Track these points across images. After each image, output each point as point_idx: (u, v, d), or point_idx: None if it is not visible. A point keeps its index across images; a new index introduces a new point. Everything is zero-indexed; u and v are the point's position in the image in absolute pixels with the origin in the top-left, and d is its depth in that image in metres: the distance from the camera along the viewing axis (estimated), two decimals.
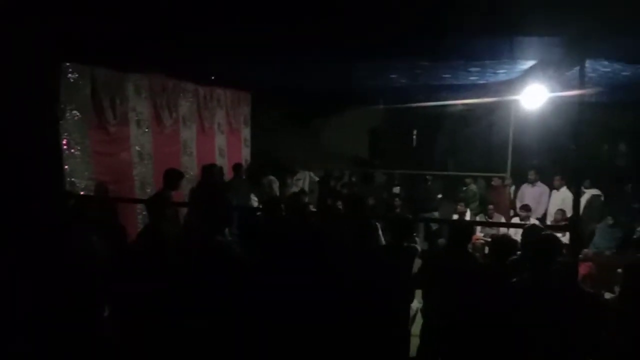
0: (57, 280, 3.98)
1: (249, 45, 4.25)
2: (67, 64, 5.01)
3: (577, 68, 4.04)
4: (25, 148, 4.42)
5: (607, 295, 5.03)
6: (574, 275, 3.62)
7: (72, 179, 5.11)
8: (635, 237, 6.07)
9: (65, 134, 5.01)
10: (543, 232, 3.82)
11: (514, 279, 3.50)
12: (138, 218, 6.01)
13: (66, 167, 5.01)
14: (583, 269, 5.58)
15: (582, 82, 3.97)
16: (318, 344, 3.94)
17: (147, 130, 6.36)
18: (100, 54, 5.10)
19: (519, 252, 4.03)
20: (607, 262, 6.12)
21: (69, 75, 5.06)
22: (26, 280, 3.97)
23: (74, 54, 4.90)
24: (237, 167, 7.62)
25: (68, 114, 5.04)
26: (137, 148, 6.19)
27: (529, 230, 4.05)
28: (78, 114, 5.16)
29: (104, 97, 5.50)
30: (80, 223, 4.29)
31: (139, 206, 5.90)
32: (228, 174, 7.90)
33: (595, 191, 7.74)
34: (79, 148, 5.19)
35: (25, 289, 3.94)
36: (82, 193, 5.18)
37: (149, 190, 6.25)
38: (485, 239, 7.15)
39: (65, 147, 5.01)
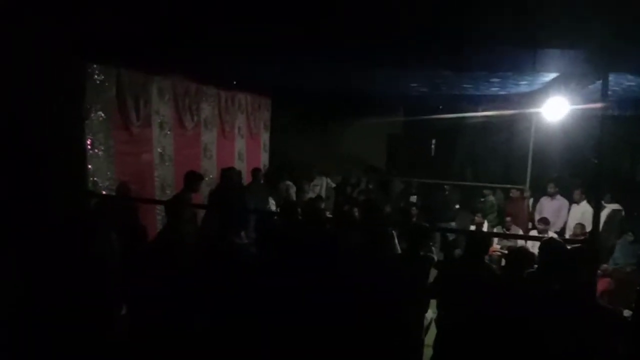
0: (74, 277, 4.07)
1: (271, 48, 4.30)
2: (94, 65, 5.13)
3: (600, 81, 4.01)
4: (50, 147, 4.54)
5: (626, 313, 4.95)
6: (592, 290, 3.58)
7: (95, 179, 5.21)
8: None
9: (90, 134, 5.11)
10: (560, 245, 3.80)
11: (530, 292, 3.48)
12: (158, 219, 6.10)
13: (90, 166, 5.11)
14: (602, 284, 5.49)
15: (604, 95, 3.95)
16: (330, 350, 3.95)
17: (169, 132, 6.46)
18: (126, 56, 5.21)
19: (535, 266, 4.02)
20: (626, 278, 6.01)
21: (95, 76, 5.17)
22: (45, 276, 4.07)
23: (100, 55, 5.01)
24: (255, 172, 7.69)
25: (93, 115, 5.15)
26: (159, 150, 6.29)
27: (546, 243, 4.02)
28: (103, 114, 5.27)
29: (128, 98, 5.60)
30: (102, 222, 4.38)
31: (159, 207, 5.99)
32: (247, 178, 7.97)
33: (616, 206, 7.62)
34: (102, 148, 5.29)
35: (43, 284, 4.03)
36: (103, 192, 5.28)
37: (168, 192, 6.34)
38: (502, 250, 7.09)
39: (89, 146, 5.11)
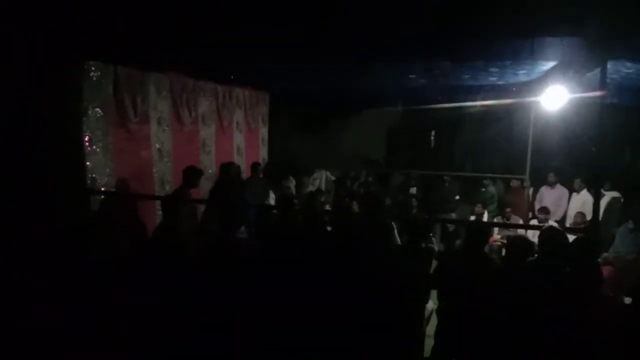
0: (77, 272, 4.08)
1: (267, 46, 4.29)
2: (90, 62, 5.11)
3: (599, 69, 3.99)
4: (48, 144, 4.54)
5: (627, 300, 4.95)
6: (597, 279, 3.58)
7: (93, 176, 5.21)
8: None
9: (88, 131, 5.10)
10: (560, 234, 3.80)
11: (531, 281, 3.48)
12: (157, 215, 6.10)
13: (88, 163, 5.11)
14: (603, 272, 5.50)
15: (603, 83, 3.93)
16: (331, 343, 3.96)
17: (167, 128, 6.45)
18: (123, 54, 5.19)
19: (535, 255, 4.02)
20: (627, 266, 6.02)
21: (92, 74, 5.15)
22: (46, 272, 4.07)
23: (97, 53, 5.00)
24: (255, 166, 7.68)
25: (90, 112, 5.14)
26: (157, 146, 6.28)
27: (546, 232, 4.01)
28: (100, 112, 5.26)
29: (125, 95, 5.59)
30: (106, 219, 4.37)
31: (158, 203, 5.99)
32: (246, 173, 7.96)
33: (615, 194, 7.61)
34: (100, 145, 5.28)
35: (44, 281, 4.04)
36: (102, 189, 5.28)
37: (167, 188, 6.33)
38: (502, 240, 7.09)
39: (87, 144, 5.10)
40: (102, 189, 5.29)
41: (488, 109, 8.61)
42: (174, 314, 3.81)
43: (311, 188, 8.73)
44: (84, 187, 5.01)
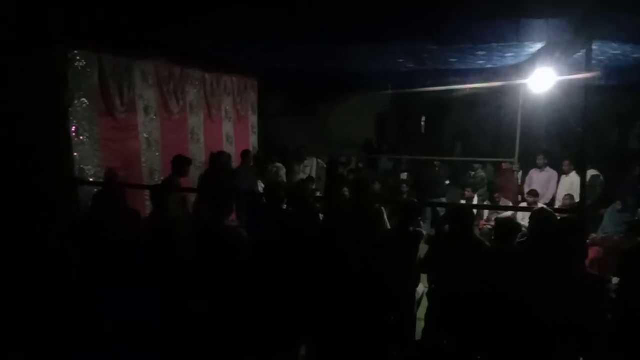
0: (68, 265, 4.06)
1: (250, 28, 4.25)
2: (75, 51, 5.04)
3: (585, 51, 4.00)
4: (34, 135, 4.48)
5: (615, 280, 5.02)
6: (582, 258, 3.62)
7: (82, 166, 5.17)
8: (635, 219, 6.00)
9: (74, 121, 5.05)
10: (550, 214, 3.83)
11: (521, 261, 3.52)
12: (147, 205, 6.07)
13: (75, 154, 5.07)
14: (591, 253, 5.56)
15: (589, 64, 3.94)
16: (323, 329, 3.99)
17: (154, 117, 6.39)
18: (107, 41, 5.13)
19: (524, 237, 4.05)
20: (615, 246, 6.09)
21: (77, 62, 5.09)
22: (37, 264, 4.05)
23: (81, 41, 4.93)
24: (245, 154, 7.64)
25: (76, 102, 5.08)
26: (145, 135, 6.23)
27: (536, 213, 4.03)
28: (86, 101, 5.21)
29: (111, 84, 5.53)
30: (103, 209, 4.32)
31: (148, 193, 5.96)
32: (236, 161, 7.93)
33: (593, 172, 7.63)
34: (87, 135, 5.23)
35: (35, 274, 4.02)
36: (91, 180, 5.24)
37: (156, 178, 6.30)
38: (492, 224, 7.14)
39: (74, 134, 5.06)
40: (91, 179, 5.26)
41: (477, 93, 8.61)
42: (166, 301, 3.81)
43: (302, 176, 8.72)
44: (72, 178, 4.96)
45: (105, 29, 4.57)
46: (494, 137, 10.33)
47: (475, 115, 10.08)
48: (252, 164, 7.76)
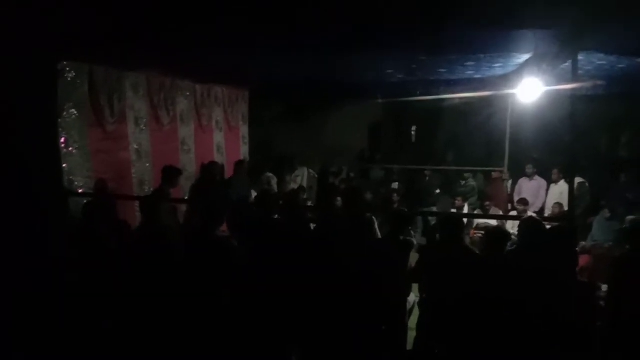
0: (59, 275, 4.02)
1: (244, 40, 4.27)
2: (65, 62, 5.03)
3: (571, 61, 4.06)
4: (24, 146, 4.45)
5: (605, 287, 5.05)
6: (572, 266, 3.65)
7: (71, 177, 5.14)
8: (623, 227, 6.06)
9: (64, 132, 5.03)
10: (539, 223, 3.86)
11: (511, 270, 3.54)
12: (137, 216, 6.04)
13: (65, 165, 5.04)
14: (581, 260, 5.60)
15: (575, 75, 4.00)
16: (314, 338, 3.97)
17: (144, 128, 6.38)
18: (98, 53, 5.12)
19: (514, 245, 4.08)
20: (605, 254, 6.14)
21: (67, 74, 5.09)
22: (27, 274, 4.01)
23: (71, 52, 4.92)
24: (238, 164, 7.63)
25: (66, 113, 5.07)
26: (135, 146, 6.22)
27: (525, 222, 4.07)
28: (76, 112, 5.20)
29: (101, 95, 5.53)
30: (93, 220, 4.29)
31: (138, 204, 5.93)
32: (228, 172, 7.92)
33: (579, 179, 7.71)
34: (77, 146, 5.22)
35: (26, 283, 3.98)
36: (81, 191, 5.21)
37: (147, 189, 6.28)
38: (482, 232, 7.17)
39: (63, 145, 5.03)
40: (81, 190, 5.23)
41: (467, 102, 8.70)
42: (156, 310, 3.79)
43: (293, 185, 8.72)
44: (61, 189, 4.93)
45: (96, 41, 4.56)
46: (484, 146, 10.41)
47: (465, 125, 10.17)
48: (245, 174, 7.76)
